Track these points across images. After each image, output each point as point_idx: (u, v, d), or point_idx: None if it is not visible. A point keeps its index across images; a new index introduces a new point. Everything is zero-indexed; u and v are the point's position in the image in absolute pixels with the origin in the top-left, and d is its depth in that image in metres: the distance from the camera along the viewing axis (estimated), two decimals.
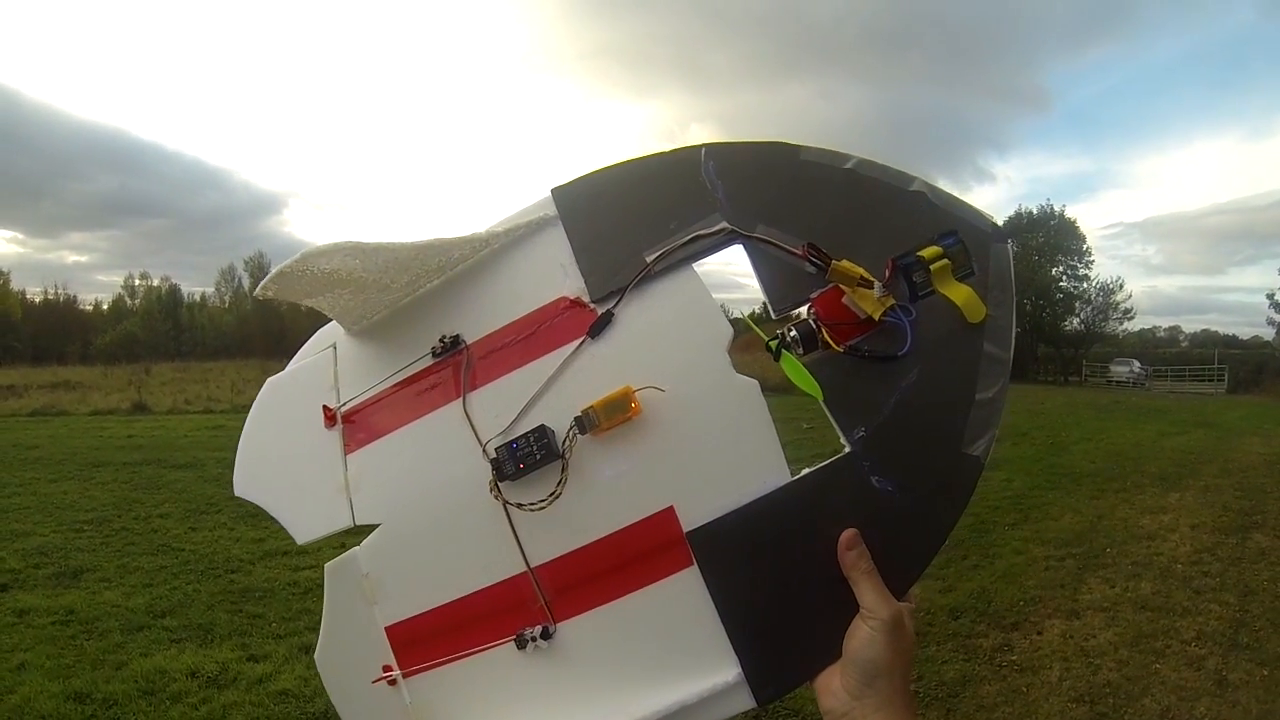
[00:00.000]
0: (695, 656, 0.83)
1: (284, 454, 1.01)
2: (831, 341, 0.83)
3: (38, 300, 56.40)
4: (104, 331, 49.95)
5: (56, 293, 57.58)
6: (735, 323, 0.89)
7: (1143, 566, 6.23)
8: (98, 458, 10.40)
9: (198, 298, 61.27)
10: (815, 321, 0.85)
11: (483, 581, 0.90)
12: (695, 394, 0.85)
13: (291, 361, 1.05)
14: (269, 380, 1.05)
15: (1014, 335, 0.85)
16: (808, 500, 0.82)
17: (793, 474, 0.83)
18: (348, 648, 0.95)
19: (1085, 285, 45.43)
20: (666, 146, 0.98)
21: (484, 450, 0.89)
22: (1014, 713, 3.92)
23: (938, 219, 0.87)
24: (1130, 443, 13.28)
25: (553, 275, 0.93)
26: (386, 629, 0.93)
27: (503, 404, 0.90)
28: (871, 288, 0.83)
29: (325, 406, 0.98)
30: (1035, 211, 46.93)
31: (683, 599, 0.84)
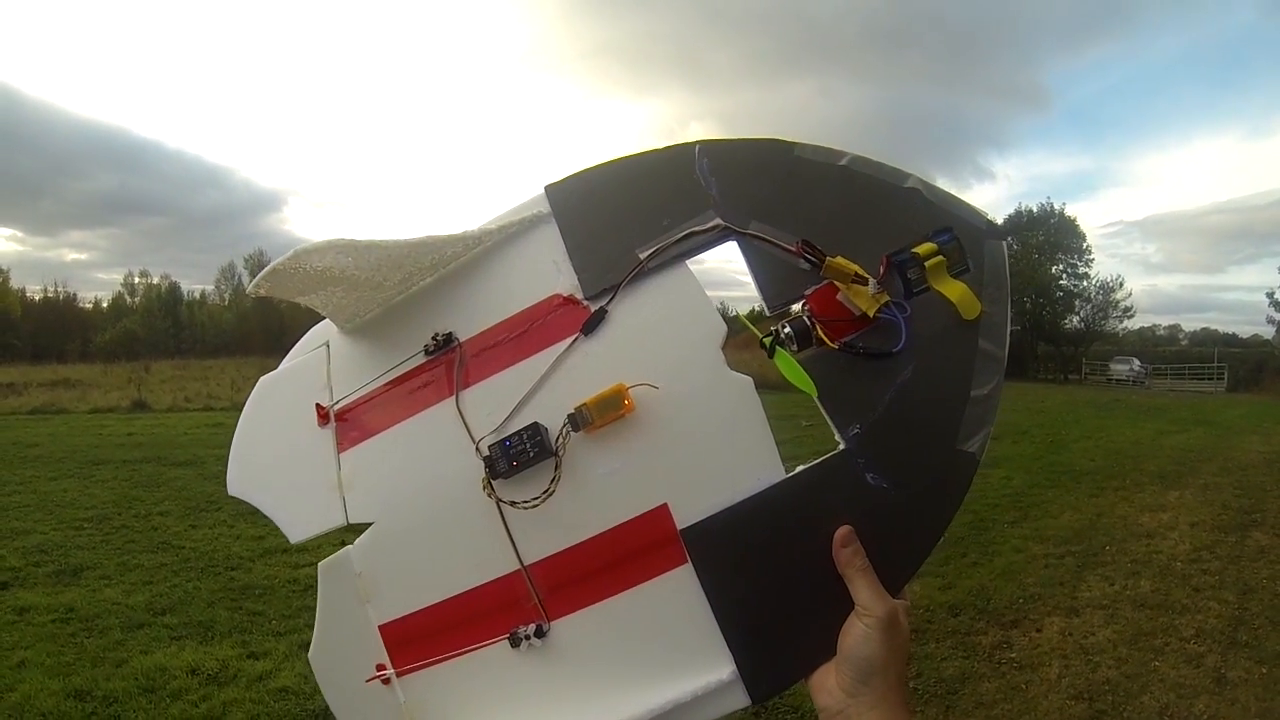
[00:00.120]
0: (689, 654, 0.83)
1: (277, 453, 1.00)
2: (826, 338, 0.83)
3: (37, 298, 56.38)
4: (104, 329, 49.90)
5: (56, 291, 57.59)
6: (730, 320, 0.89)
7: (1142, 564, 6.23)
8: (97, 455, 10.41)
9: (197, 295, 61.26)
10: (810, 318, 0.84)
11: (476, 580, 0.90)
12: (689, 391, 0.85)
13: (284, 360, 1.05)
14: (262, 379, 1.05)
15: (1009, 332, 0.85)
16: (802, 497, 0.82)
17: (787, 471, 0.83)
18: (341, 647, 0.95)
19: (1085, 283, 45.48)
20: (661, 144, 0.97)
21: (477, 448, 0.89)
22: (1013, 710, 3.92)
23: (933, 216, 0.87)
24: (1130, 441, 13.28)
25: (546, 272, 0.93)
26: (380, 628, 0.93)
27: (496, 402, 0.90)
28: (866, 284, 0.83)
29: (318, 405, 0.98)
30: (1035, 210, 47.02)
31: (677, 597, 0.84)
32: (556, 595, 0.87)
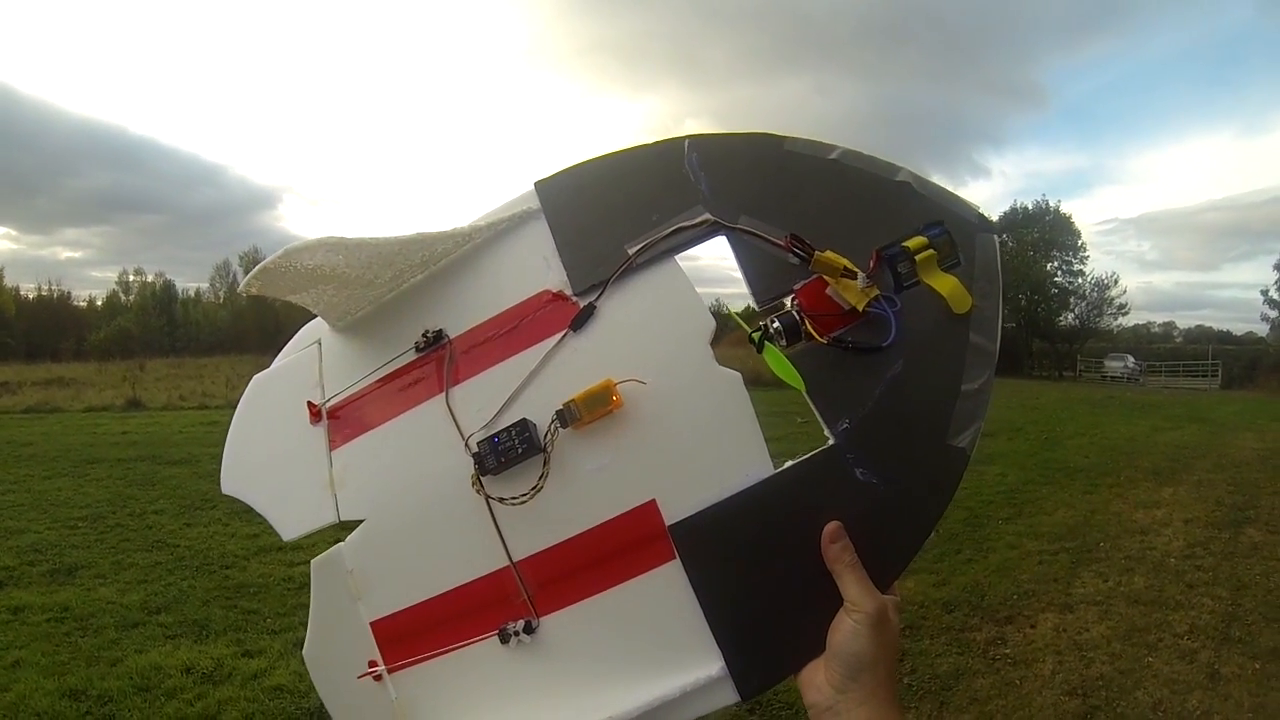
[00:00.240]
0: (678, 650, 0.83)
1: (270, 451, 1.01)
2: (815, 333, 0.83)
3: (31, 296, 56.15)
4: (98, 328, 49.70)
5: (50, 289, 57.33)
6: (721, 316, 0.89)
7: (1136, 561, 6.25)
8: (92, 454, 10.37)
9: (192, 293, 60.93)
10: (799, 313, 0.84)
11: (466, 576, 0.90)
12: (677, 387, 0.85)
13: (277, 358, 1.05)
14: (255, 377, 1.05)
15: (1000, 326, 0.85)
16: (791, 493, 0.82)
17: (776, 466, 0.83)
18: (334, 644, 0.95)
19: (1080, 280, 45.59)
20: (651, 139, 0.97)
21: (466, 444, 0.89)
22: (1007, 705, 3.93)
23: (923, 209, 0.87)
24: (1124, 438, 13.32)
25: (536, 269, 0.93)
26: (371, 624, 0.93)
27: (485, 398, 0.90)
28: (855, 279, 0.82)
29: (309, 403, 0.98)
30: (1030, 207, 47.27)
31: (665, 593, 0.84)
32: (546, 591, 0.87)
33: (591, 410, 0.84)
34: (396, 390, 0.96)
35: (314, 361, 1.02)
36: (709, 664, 0.82)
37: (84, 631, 4.68)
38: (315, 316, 1.02)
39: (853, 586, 0.77)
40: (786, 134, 0.91)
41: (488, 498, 0.88)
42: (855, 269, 0.83)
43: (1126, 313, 46.99)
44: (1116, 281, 45.85)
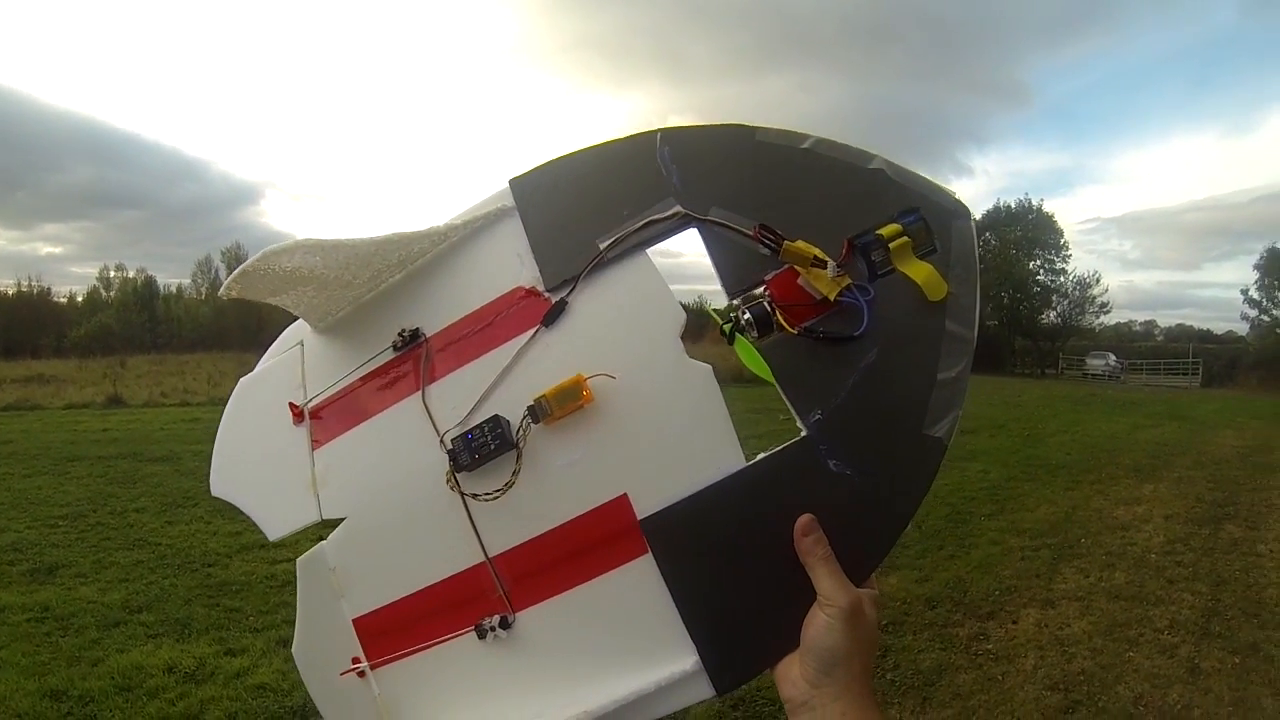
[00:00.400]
0: (652, 645, 0.83)
1: (256, 452, 1.02)
2: (785, 324, 0.82)
3: (11, 292, 55.56)
4: (79, 324, 49.16)
5: (30, 285, 56.69)
6: (696, 311, 0.89)
7: (1117, 556, 6.31)
8: (72, 452, 10.28)
9: (174, 289, 60.40)
10: (770, 304, 0.83)
11: (444, 572, 0.90)
12: (647, 380, 0.85)
13: (261, 361, 1.06)
14: (240, 381, 1.06)
15: (978, 313, 0.83)
16: (763, 486, 0.81)
17: (748, 459, 0.82)
18: (320, 641, 0.96)
19: (1062, 279, 46.13)
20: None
21: (441, 441, 0.90)
22: (989, 701, 3.96)
23: (899, 196, 0.86)
24: (1105, 435, 13.44)
25: (510, 265, 0.93)
26: (354, 621, 0.94)
27: (460, 395, 0.91)
28: (825, 268, 0.81)
29: (291, 404, 0.99)
30: (1014, 205, 47.65)
31: (638, 587, 0.83)
32: (521, 586, 0.88)
33: (562, 405, 0.84)
34: (376, 389, 0.96)
35: (296, 363, 1.03)
36: (683, 658, 0.81)
37: (65, 631, 4.64)
38: (297, 318, 1.03)
39: (826, 580, 0.76)
40: (759, 124, 0.91)
41: (462, 494, 0.88)
42: (826, 258, 0.81)
43: (1108, 311, 47.68)
44: (1098, 280, 46.55)
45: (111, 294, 57.05)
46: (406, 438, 0.92)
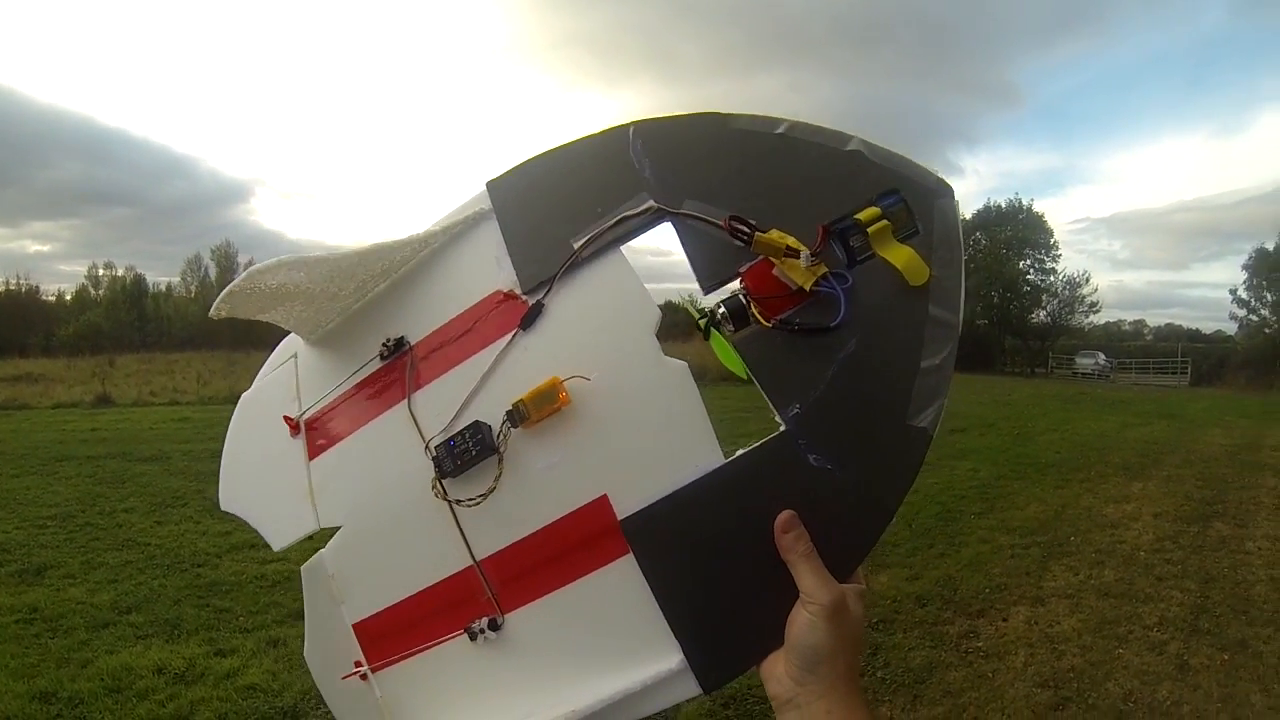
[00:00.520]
0: (637, 644, 0.83)
1: (258, 466, 1.04)
2: (759, 317, 0.80)
3: None
4: (67, 323, 48.86)
5: (18, 283, 56.22)
6: (682, 307, 0.88)
7: (1106, 554, 6.34)
8: (61, 452, 10.22)
9: (163, 288, 60.01)
10: (745, 296, 0.82)
11: (436, 576, 0.91)
12: (623, 379, 0.85)
13: (258, 376, 1.08)
14: (241, 398, 1.08)
15: (963, 296, 0.81)
16: (742, 482, 0.80)
17: (727, 456, 0.81)
18: (327, 645, 0.97)
19: (1052, 279, 46.15)
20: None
21: (427, 448, 0.90)
22: (980, 698, 3.97)
23: (878, 178, 0.83)
24: (1095, 433, 13.49)
25: (488, 269, 0.93)
26: (354, 626, 0.96)
27: (444, 402, 0.91)
28: (798, 257, 0.79)
29: (286, 417, 1.01)
30: (1004, 205, 47.54)
31: (620, 587, 0.83)
32: (509, 588, 0.88)
33: (540, 409, 0.84)
34: (365, 399, 0.97)
35: (291, 377, 1.04)
36: (668, 657, 0.81)
37: (54, 633, 4.61)
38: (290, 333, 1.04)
39: (807, 577, 0.75)
40: (732, 111, 0.89)
41: (447, 500, 0.88)
42: (799, 247, 0.79)
43: (1098, 311, 47.66)
44: (1088, 280, 46.56)
45: (100, 292, 56.63)
46: (395, 445, 0.93)
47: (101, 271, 58.13)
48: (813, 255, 0.79)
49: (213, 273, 59.10)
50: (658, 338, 0.85)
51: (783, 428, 0.80)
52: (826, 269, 0.80)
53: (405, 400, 0.93)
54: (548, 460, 0.86)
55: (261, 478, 1.03)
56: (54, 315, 53.11)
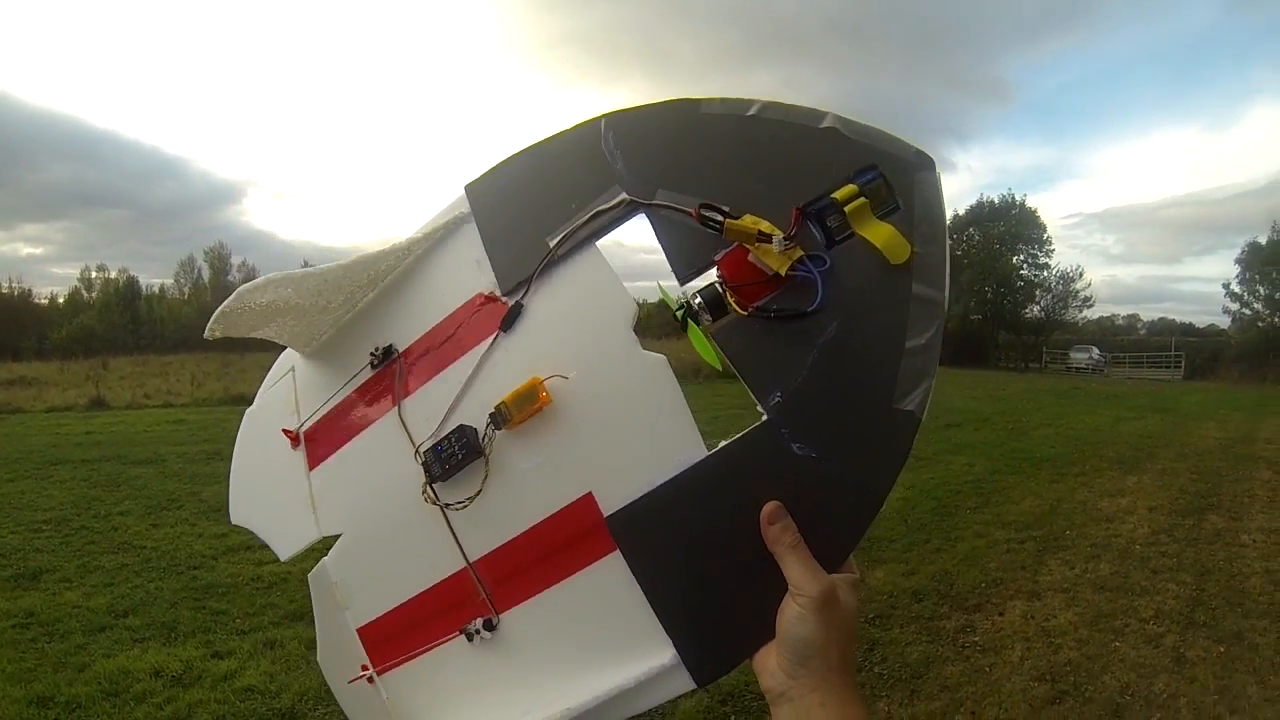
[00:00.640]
0: (629, 640, 0.82)
1: (263, 479, 1.06)
2: (735, 305, 0.78)
3: None
4: (60, 326, 48.76)
5: (10, 286, 56.00)
6: (663, 304, 0.86)
7: (1102, 548, 6.36)
8: (55, 455, 10.18)
9: (156, 290, 59.90)
10: (721, 285, 0.80)
11: (432, 579, 0.92)
12: (602, 376, 0.84)
13: (259, 391, 1.10)
14: (245, 413, 1.11)
15: (948, 272, 0.77)
16: (725, 475, 0.79)
17: (710, 448, 0.80)
18: (336, 650, 1.00)
19: (1045, 274, 46.32)
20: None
21: (416, 454, 0.91)
22: (977, 692, 3.99)
23: (854, 154, 0.80)
24: (1089, 428, 13.53)
25: (469, 273, 0.93)
26: (358, 631, 0.97)
27: (432, 407, 0.92)
28: (771, 241, 0.77)
29: (284, 430, 1.03)
30: (997, 201, 47.67)
31: (609, 584, 0.83)
32: (503, 588, 0.89)
33: (521, 410, 0.84)
34: (359, 408, 0.99)
35: (290, 389, 1.06)
36: (660, 653, 0.81)
37: (50, 637, 4.60)
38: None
39: (795, 568, 0.74)
40: (703, 96, 0.87)
41: (437, 504, 0.89)
42: (772, 231, 0.77)
43: (1091, 305, 47.97)
44: (1081, 275, 46.86)
45: (93, 295, 56.55)
46: (387, 453, 0.94)
47: (94, 274, 58.09)
48: (787, 239, 0.77)
49: (206, 274, 59.13)
50: (644, 334, 0.85)
51: (764, 417, 0.79)
52: (803, 252, 0.78)
53: (395, 408, 0.94)
54: (532, 460, 0.86)
55: (266, 490, 1.06)
56: (47, 318, 53.05)
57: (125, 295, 55.35)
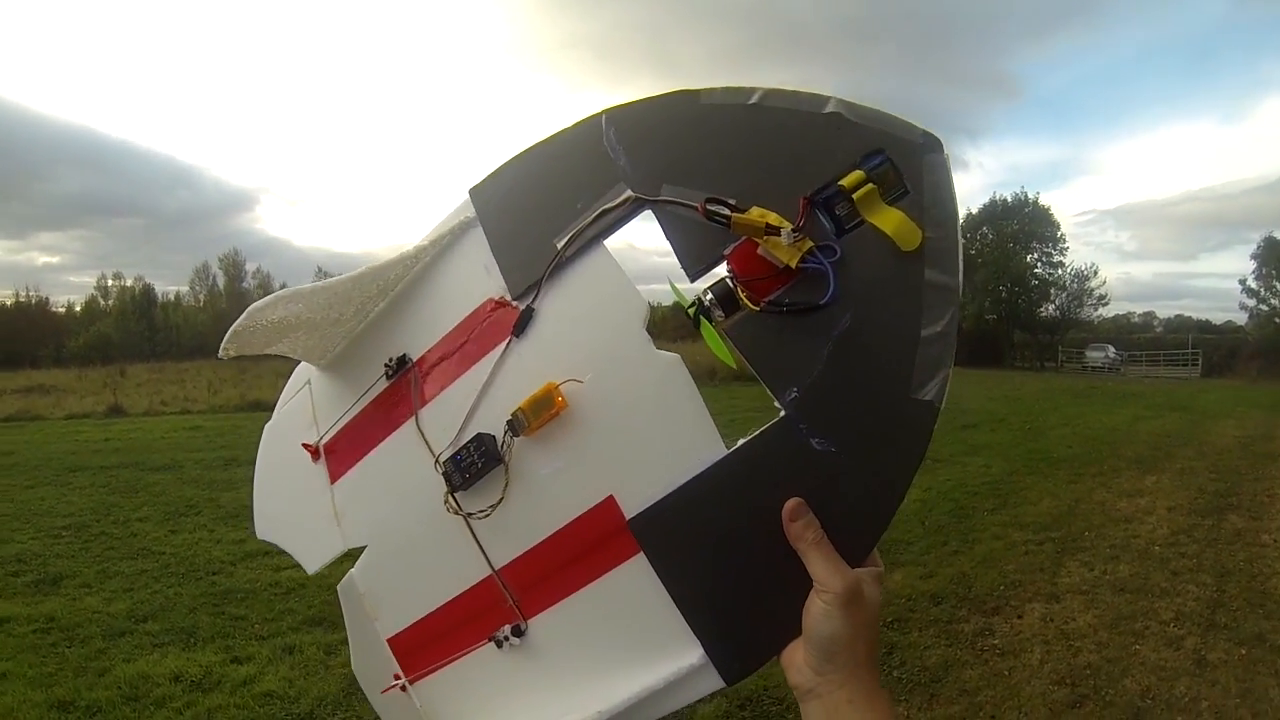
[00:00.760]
0: (657, 641, 0.82)
1: (286, 494, 1.08)
2: (747, 300, 0.77)
3: (8, 303, 55.50)
4: (77, 334, 49.18)
5: (28, 295, 56.59)
6: (678, 306, 0.85)
7: (1121, 549, 6.31)
8: (74, 462, 10.27)
9: (172, 297, 60.34)
10: (732, 280, 0.79)
11: (459, 588, 0.92)
12: (617, 378, 0.84)
13: (276, 405, 1.11)
14: (265, 428, 1.11)
15: (961, 256, 0.75)
16: (745, 473, 0.78)
17: (728, 446, 0.79)
18: (367, 660, 1.01)
19: (1060, 272, 45.91)
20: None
21: (436, 464, 0.91)
22: (996, 696, 3.96)
23: (860, 140, 0.78)
24: (1106, 427, 13.43)
25: (478, 278, 0.93)
26: (388, 640, 0.98)
27: (450, 416, 0.91)
28: (780, 234, 0.76)
29: (304, 444, 1.04)
30: (1010, 199, 47.35)
31: (635, 586, 0.83)
32: (529, 595, 0.89)
33: (538, 415, 0.84)
34: (376, 419, 0.99)
35: (308, 403, 1.07)
36: (689, 653, 0.81)
37: (70, 642, 4.64)
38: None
39: (819, 565, 0.73)
40: (703, 87, 0.85)
41: (460, 513, 0.90)
42: (780, 223, 0.76)
43: (1106, 303, 47.58)
44: (1096, 272, 46.55)
45: (109, 303, 57.08)
46: (407, 463, 0.94)
47: (110, 282, 58.64)
48: (795, 230, 0.76)
49: (221, 281, 59.46)
50: (657, 337, 0.84)
51: (782, 413, 0.77)
52: (812, 243, 0.76)
53: (413, 418, 0.94)
54: (552, 466, 0.86)
55: (290, 504, 1.07)
56: (64, 326, 53.54)
57: (141, 303, 55.80)
